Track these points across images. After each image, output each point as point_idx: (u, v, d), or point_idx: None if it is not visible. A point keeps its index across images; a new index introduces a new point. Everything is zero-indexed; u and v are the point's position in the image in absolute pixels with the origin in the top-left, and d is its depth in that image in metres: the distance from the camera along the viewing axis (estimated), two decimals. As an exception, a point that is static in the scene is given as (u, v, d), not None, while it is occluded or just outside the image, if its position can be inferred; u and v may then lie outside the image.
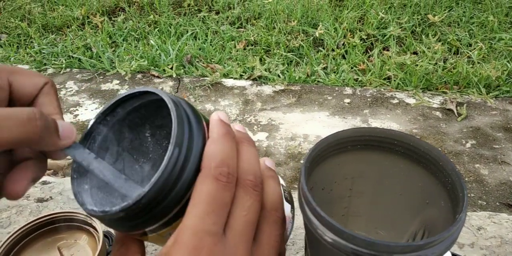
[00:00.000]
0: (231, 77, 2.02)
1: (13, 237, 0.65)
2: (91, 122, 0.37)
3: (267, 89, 1.94)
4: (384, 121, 1.74)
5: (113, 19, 2.58)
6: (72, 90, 1.98)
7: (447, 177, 0.37)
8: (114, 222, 0.34)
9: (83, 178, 0.37)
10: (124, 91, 1.95)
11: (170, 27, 2.41)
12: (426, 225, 0.42)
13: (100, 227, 0.66)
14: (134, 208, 0.31)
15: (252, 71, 2.04)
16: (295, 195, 0.88)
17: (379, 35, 2.30)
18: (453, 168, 0.36)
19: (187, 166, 0.31)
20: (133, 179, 0.42)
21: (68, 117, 1.80)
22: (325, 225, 0.34)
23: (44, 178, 0.89)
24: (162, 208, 0.32)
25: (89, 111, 1.83)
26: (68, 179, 0.88)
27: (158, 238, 0.35)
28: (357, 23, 2.40)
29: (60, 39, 2.42)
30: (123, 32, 2.41)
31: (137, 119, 0.40)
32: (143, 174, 0.42)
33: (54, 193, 0.85)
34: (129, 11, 2.61)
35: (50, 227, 0.69)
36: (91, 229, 0.68)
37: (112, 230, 0.76)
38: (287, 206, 0.43)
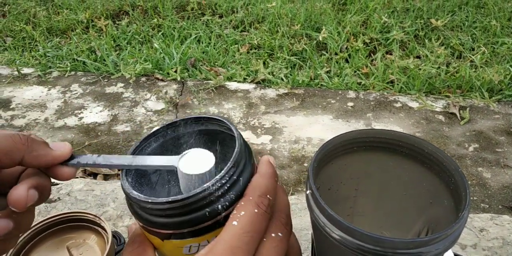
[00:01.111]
0: (235, 81, 2.04)
1: (23, 237, 0.66)
2: (154, 129, 0.43)
3: (271, 93, 1.95)
4: (387, 125, 1.75)
5: (117, 22, 2.60)
6: (77, 93, 1.99)
7: (451, 177, 0.38)
8: (152, 213, 0.36)
9: (129, 175, 0.41)
10: (129, 94, 1.97)
11: (174, 31, 2.43)
12: (430, 224, 0.43)
13: (109, 227, 0.67)
14: (180, 204, 0.34)
15: (255, 75, 2.05)
16: (302, 196, 0.88)
17: (382, 39, 2.31)
18: (456, 168, 0.37)
19: (234, 187, 0.36)
20: (160, 193, 0.47)
21: (73, 120, 1.81)
22: (333, 222, 0.35)
23: (52, 179, 0.90)
24: (200, 215, 0.35)
25: (93, 114, 1.85)
26: (75, 181, 0.89)
27: (175, 249, 0.37)
28: (360, 27, 2.42)
29: (64, 42, 2.44)
30: (127, 35, 2.42)
31: (184, 143, 0.46)
32: (168, 192, 0.46)
33: (62, 194, 0.85)
34: (133, 15, 2.63)
35: (59, 227, 0.70)
36: (100, 229, 0.69)
37: (122, 232, 0.76)
38: None
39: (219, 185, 0.35)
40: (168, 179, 0.46)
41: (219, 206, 0.35)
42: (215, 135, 0.44)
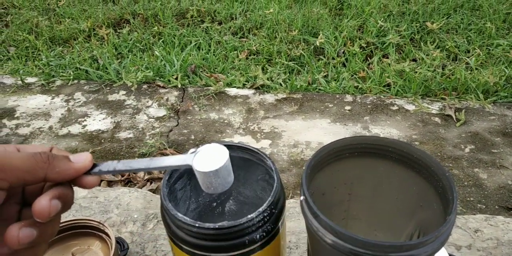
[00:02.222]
0: (234, 86, 2.07)
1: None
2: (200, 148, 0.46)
3: (270, 98, 1.98)
4: (384, 128, 1.78)
5: (118, 31, 2.64)
6: (80, 101, 2.03)
7: (439, 181, 0.39)
8: (193, 236, 0.40)
9: (171, 195, 0.46)
10: (131, 101, 2.01)
11: (174, 38, 2.47)
12: (421, 227, 0.44)
13: (113, 233, 0.70)
14: (226, 231, 0.38)
15: (254, 80, 2.08)
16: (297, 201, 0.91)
17: (379, 43, 2.34)
18: (444, 172, 0.39)
19: (271, 218, 0.40)
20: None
21: (76, 128, 1.85)
22: (325, 227, 0.37)
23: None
24: (240, 242, 0.39)
25: (97, 122, 1.88)
26: (79, 189, 0.92)
27: None
28: (357, 32, 2.45)
29: (67, 51, 2.48)
30: (128, 43, 2.47)
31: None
32: (187, 208, 0.51)
33: (67, 201, 0.89)
34: (133, 23, 2.67)
35: (64, 234, 0.73)
36: (104, 236, 0.72)
37: (126, 238, 0.80)
38: None
39: (261, 217, 0.39)
40: (189, 196, 0.50)
41: (258, 236, 0.39)
42: (243, 162, 0.48)
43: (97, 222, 0.72)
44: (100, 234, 0.72)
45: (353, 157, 0.44)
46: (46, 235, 0.35)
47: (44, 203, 0.33)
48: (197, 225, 0.38)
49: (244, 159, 0.48)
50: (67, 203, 0.35)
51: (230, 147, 0.48)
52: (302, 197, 0.39)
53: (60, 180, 0.34)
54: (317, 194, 0.45)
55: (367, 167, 0.45)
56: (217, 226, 0.38)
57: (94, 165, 0.37)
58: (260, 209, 0.39)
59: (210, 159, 0.37)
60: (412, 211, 0.44)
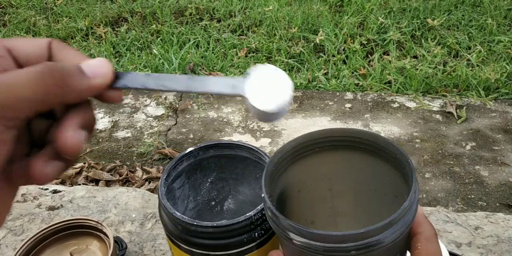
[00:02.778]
0: (234, 84, 2.06)
1: (27, 244, 0.68)
2: (188, 149, 0.46)
3: (269, 96, 1.97)
4: (385, 125, 1.77)
5: (116, 29, 2.63)
6: (78, 100, 2.02)
7: (405, 170, 0.38)
8: (192, 234, 0.39)
9: (170, 194, 0.45)
10: (129, 100, 1.99)
11: (173, 36, 2.46)
12: None
13: (111, 233, 0.69)
14: (224, 229, 0.38)
15: (254, 78, 2.07)
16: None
17: (379, 40, 2.33)
18: (406, 159, 0.37)
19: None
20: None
21: (74, 127, 1.84)
22: (292, 229, 0.34)
23: (54, 187, 0.93)
24: (239, 240, 0.40)
25: (95, 121, 1.87)
26: (77, 188, 0.91)
27: None
28: (357, 29, 2.44)
29: (65, 50, 2.47)
30: (126, 42, 2.45)
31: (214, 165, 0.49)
32: (186, 207, 0.50)
33: (65, 201, 0.88)
34: (132, 21, 2.66)
35: (62, 234, 0.72)
36: (102, 235, 0.71)
37: (124, 237, 0.79)
38: None
39: (260, 215, 0.39)
40: (188, 194, 0.49)
41: (256, 234, 0.39)
42: (241, 160, 0.47)
43: (95, 221, 0.71)
44: (98, 233, 0.72)
45: (323, 151, 0.43)
46: (72, 162, 0.29)
47: (70, 137, 0.27)
48: (195, 223, 0.38)
49: (242, 158, 0.47)
50: (91, 129, 0.29)
51: (228, 145, 0.47)
52: (263, 194, 0.37)
53: (78, 101, 0.28)
54: (291, 190, 0.43)
55: (341, 160, 0.43)
56: (215, 225, 0.37)
57: (117, 76, 0.29)
58: (259, 207, 0.39)
59: (268, 89, 0.29)
60: (390, 202, 0.43)
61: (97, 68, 0.28)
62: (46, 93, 0.26)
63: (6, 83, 0.24)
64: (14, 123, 0.25)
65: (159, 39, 2.46)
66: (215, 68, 2.19)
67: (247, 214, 0.38)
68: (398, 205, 0.35)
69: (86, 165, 1.55)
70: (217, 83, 0.29)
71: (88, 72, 0.28)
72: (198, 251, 0.40)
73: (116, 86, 0.29)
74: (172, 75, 0.30)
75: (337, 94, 1.96)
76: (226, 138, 1.73)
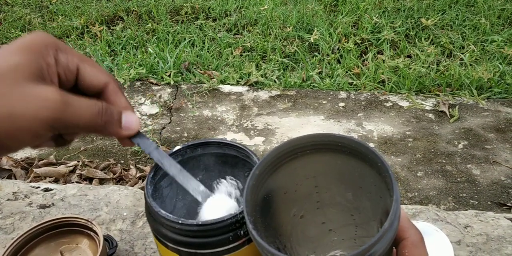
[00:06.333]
0: (228, 83, 2.06)
1: (17, 242, 0.68)
2: (176, 148, 0.48)
3: (263, 95, 1.98)
4: (378, 124, 1.78)
5: (111, 28, 2.63)
6: (72, 99, 2.02)
7: (387, 178, 0.38)
8: (178, 233, 0.40)
9: (157, 192, 0.46)
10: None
11: (168, 35, 2.46)
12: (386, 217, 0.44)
13: (101, 231, 0.70)
14: (209, 227, 0.39)
15: (248, 77, 2.08)
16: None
17: (373, 39, 2.34)
18: (383, 162, 0.37)
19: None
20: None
21: (69, 125, 1.84)
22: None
23: (46, 185, 0.93)
24: (224, 238, 0.40)
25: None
26: (69, 186, 0.92)
27: None
28: (352, 28, 2.44)
29: (60, 48, 2.47)
30: (122, 40, 2.45)
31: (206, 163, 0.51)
32: (175, 206, 0.51)
33: (56, 199, 0.88)
34: (127, 20, 2.66)
35: (52, 232, 0.72)
36: (92, 233, 0.72)
37: (115, 236, 0.79)
38: None
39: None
40: (176, 193, 0.50)
41: (242, 232, 0.39)
42: (230, 158, 0.48)
43: (85, 220, 0.72)
44: (88, 232, 0.72)
45: (306, 154, 0.43)
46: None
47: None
48: (180, 221, 0.38)
49: (231, 156, 0.48)
50: None
51: (216, 143, 0.48)
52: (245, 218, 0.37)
53: (104, 135, 0.37)
54: (277, 194, 0.44)
55: (325, 160, 0.44)
56: (200, 223, 0.38)
57: (137, 134, 0.39)
58: (243, 206, 0.39)
59: (218, 209, 0.40)
60: (376, 201, 0.43)
61: (131, 123, 0.37)
62: (92, 125, 0.34)
63: (77, 104, 0.32)
64: (54, 133, 0.32)
65: (154, 37, 2.46)
66: (210, 67, 2.19)
67: (232, 212, 0.39)
68: (385, 205, 0.35)
69: (80, 163, 1.55)
70: (193, 185, 0.40)
71: (124, 123, 0.37)
72: (184, 249, 0.40)
73: (132, 140, 0.38)
74: (171, 160, 0.40)
75: (331, 93, 1.97)
76: (220, 137, 1.73)
